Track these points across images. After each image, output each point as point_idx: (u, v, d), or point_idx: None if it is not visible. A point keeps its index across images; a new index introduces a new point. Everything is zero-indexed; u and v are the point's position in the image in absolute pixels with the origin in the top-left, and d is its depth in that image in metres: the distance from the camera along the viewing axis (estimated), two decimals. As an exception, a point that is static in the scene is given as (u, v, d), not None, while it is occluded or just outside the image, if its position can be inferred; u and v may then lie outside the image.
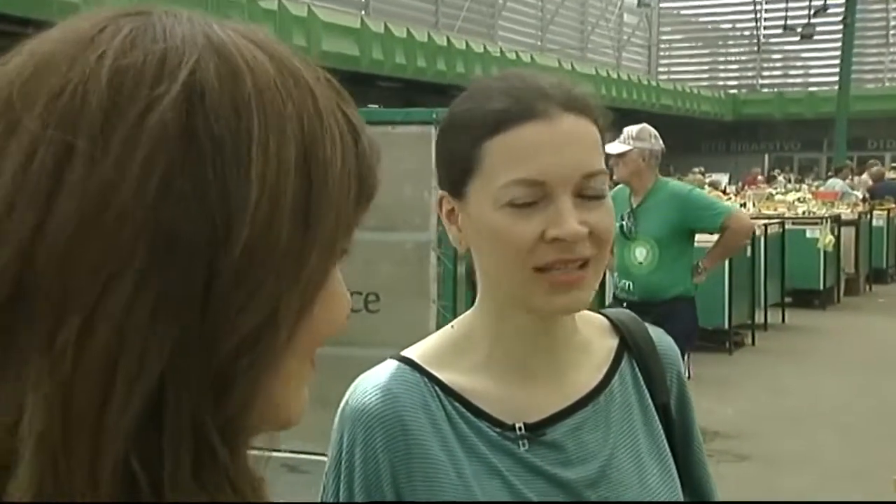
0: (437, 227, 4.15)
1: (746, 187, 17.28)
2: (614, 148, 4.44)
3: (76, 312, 0.44)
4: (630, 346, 1.09)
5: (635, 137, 4.57)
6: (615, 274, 4.66)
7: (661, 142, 4.66)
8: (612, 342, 1.10)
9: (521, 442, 1.01)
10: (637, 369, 1.09)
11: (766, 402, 7.01)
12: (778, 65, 32.87)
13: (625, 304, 4.30)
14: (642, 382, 1.08)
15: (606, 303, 5.23)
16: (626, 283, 4.58)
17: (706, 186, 15.72)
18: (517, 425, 1.01)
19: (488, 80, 1.04)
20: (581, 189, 0.98)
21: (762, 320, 9.87)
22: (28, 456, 0.44)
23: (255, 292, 0.47)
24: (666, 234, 4.58)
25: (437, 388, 1.03)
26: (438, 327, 1.11)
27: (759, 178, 19.58)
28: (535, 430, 1.01)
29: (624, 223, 4.59)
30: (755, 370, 8.14)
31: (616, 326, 1.11)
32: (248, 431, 0.48)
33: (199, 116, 0.46)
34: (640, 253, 4.60)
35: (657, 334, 1.13)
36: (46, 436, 0.44)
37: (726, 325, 8.81)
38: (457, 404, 1.02)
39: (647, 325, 1.13)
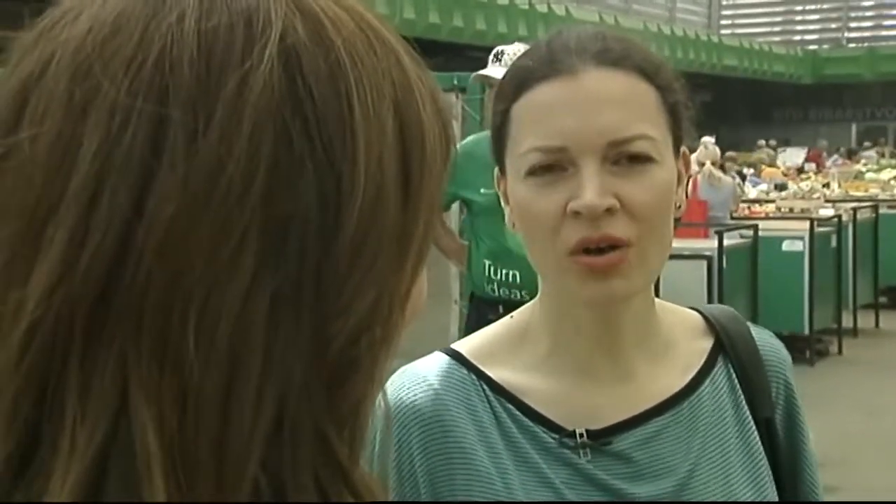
0: (460, 215, 4.16)
1: (815, 166, 17.12)
2: (495, 71, 3.90)
3: (193, 306, 0.46)
4: (727, 349, 1.10)
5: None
6: (486, 264, 3.91)
7: None
8: (706, 343, 1.10)
9: (581, 451, 1.02)
10: (735, 376, 1.10)
11: (857, 423, 6.98)
12: (869, 14, 32.66)
13: (501, 307, 3.51)
14: (740, 392, 1.09)
15: (461, 310, 4.46)
16: (509, 274, 3.87)
17: (779, 164, 15.67)
18: (578, 432, 1.02)
19: (540, 39, 1.08)
20: (614, 156, 0.99)
21: (851, 324, 9.82)
22: (156, 462, 0.45)
23: (368, 272, 0.49)
24: None
25: (485, 386, 1.05)
26: (461, 330, 1.13)
27: (824, 157, 19.30)
28: (600, 439, 1.03)
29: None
30: (843, 385, 8.10)
31: (711, 325, 1.11)
32: (365, 422, 0.51)
33: (298, 83, 0.49)
34: None
35: (762, 336, 1.13)
36: (165, 443, 0.46)
37: (806, 331, 8.78)
38: (508, 405, 1.04)
39: (750, 325, 1.14)
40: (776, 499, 1.07)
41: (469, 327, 3.55)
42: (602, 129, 0.98)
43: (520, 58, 1.06)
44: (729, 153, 15.86)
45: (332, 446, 0.49)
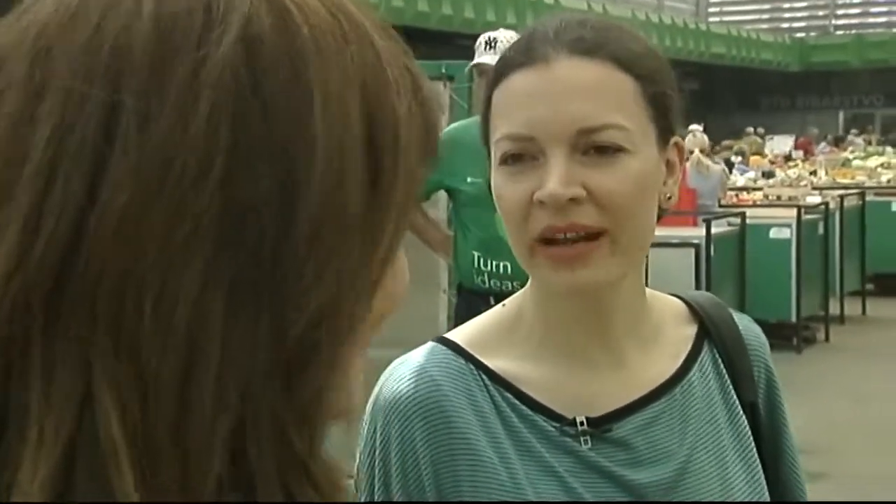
0: (448, 204, 4.14)
1: (803, 153, 17.16)
2: (489, 59, 3.78)
3: (147, 292, 0.46)
4: (712, 335, 1.11)
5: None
6: (475, 255, 3.82)
7: None
8: (691, 330, 1.11)
9: (582, 439, 1.03)
10: (721, 361, 1.11)
11: (844, 410, 7.01)
12: (856, 0, 32.73)
13: (492, 298, 3.42)
14: (727, 376, 1.10)
15: (449, 300, 4.34)
16: (499, 265, 3.75)
17: (766, 153, 15.70)
18: (578, 419, 1.03)
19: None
20: (583, 146, 0.99)
21: (838, 312, 9.85)
22: (121, 452, 0.45)
23: (329, 259, 0.49)
24: None
25: (483, 375, 1.05)
26: (450, 319, 1.14)
27: (813, 145, 19.33)
28: (600, 426, 1.03)
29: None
30: (830, 372, 8.14)
31: (695, 311, 1.12)
32: (327, 413, 0.50)
33: (257, 68, 0.48)
34: None
35: (743, 322, 1.14)
36: (129, 432, 0.45)
37: (794, 318, 8.81)
38: (507, 394, 1.04)
39: (732, 311, 1.15)
40: (764, 481, 1.08)
41: (459, 318, 3.49)
42: (571, 118, 0.99)
43: (510, 45, 1.08)
44: (725, 142, 15.86)
45: (289, 435, 0.48)
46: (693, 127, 9.44)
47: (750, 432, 1.09)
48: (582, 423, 1.02)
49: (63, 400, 0.46)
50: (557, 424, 1.03)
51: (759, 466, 1.08)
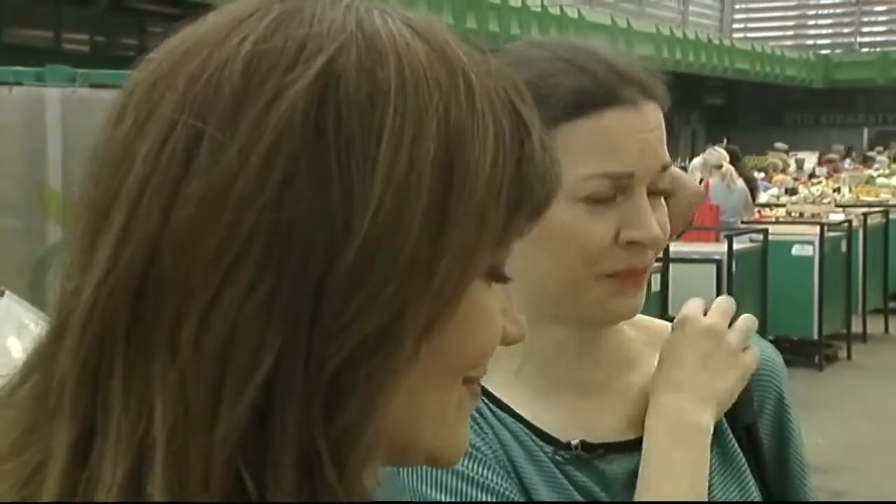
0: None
1: (827, 170, 17.07)
2: None
3: (195, 306, 0.50)
4: None
5: None
6: None
7: None
8: None
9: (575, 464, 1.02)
10: None
11: (864, 428, 6.96)
12: (881, 19, 32.60)
13: None
14: None
15: None
16: None
17: (790, 166, 15.63)
18: (573, 443, 1.03)
19: (543, 47, 1.06)
20: (654, 184, 1.02)
21: (860, 329, 9.80)
22: (159, 455, 0.49)
23: (375, 296, 0.51)
24: None
25: (486, 399, 1.03)
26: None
27: (840, 162, 19.22)
28: (593, 451, 1.03)
29: None
30: (852, 390, 8.08)
31: None
32: (364, 451, 0.51)
33: (329, 107, 0.51)
34: None
35: (759, 346, 1.12)
36: (171, 434, 0.49)
37: (816, 336, 8.77)
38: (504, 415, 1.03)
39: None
40: (759, 499, 1.07)
41: None
42: (657, 156, 1.02)
43: (547, 73, 1.01)
44: (772, 160, 15.72)
45: (319, 459, 0.50)
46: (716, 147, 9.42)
47: (740, 452, 1.08)
48: (577, 447, 1.02)
49: (137, 402, 0.50)
50: (551, 448, 1.02)
51: (754, 485, 1.07)
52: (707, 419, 1.03)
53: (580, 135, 1.00)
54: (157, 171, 0.51)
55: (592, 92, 1.00)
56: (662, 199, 1.03)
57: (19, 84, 4.50)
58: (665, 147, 1.04)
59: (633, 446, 1.05)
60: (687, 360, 1.04)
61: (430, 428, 0.56)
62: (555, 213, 0.99)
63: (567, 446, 1.02)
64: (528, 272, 1.02)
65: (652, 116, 1.02)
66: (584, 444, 1.03)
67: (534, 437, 1.02)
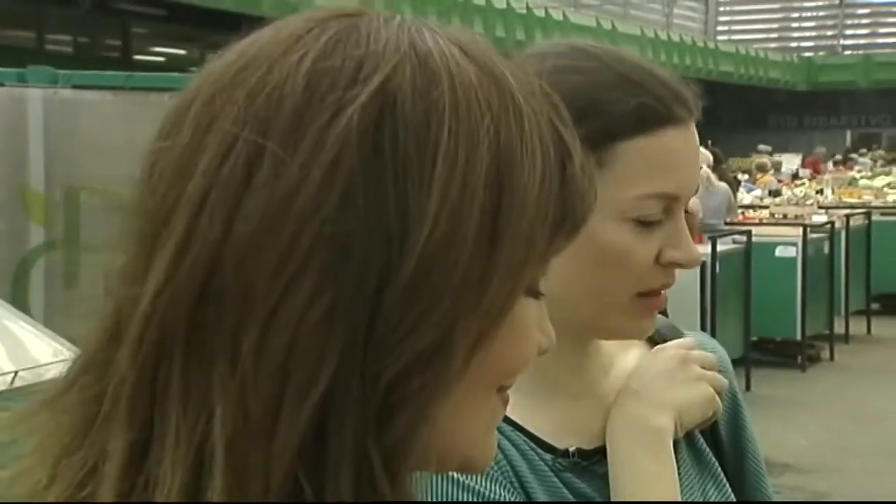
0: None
1: (811, 172, 17.13)
2: None
3: (255, 317, 0.51)
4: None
5: None
6: None
7: None
8: (639, 350, 1.11)
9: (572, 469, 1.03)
10: None
11: (848, 430, 6.98)
12: (864, 21, 32.75)
13: None
14: None
15: None
16: None
17: (771, 169, 15.68)
18: (571, 451, 1.03)
19: (590, 54, 1.02)
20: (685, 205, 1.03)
21: (843, 331, 9.84)
22: (218, 462, 0.50)
23: (429, 312, 0.52)
24: None
25: None
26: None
27: (822, 165, 19.29)
28: (591, 458, 1.03)
29: None
30: (835, 391, 8.11)
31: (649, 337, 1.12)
32: (413, 461, 0.53)
33: (386, 125, 0.53)
34: None
35: (701, 341, 1.14)
36: (231, 442, 0.51)
37: (799, 336, 8.79)
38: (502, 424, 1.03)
39: (688, 332, 1.15)
40: (734, 498, 1.08)
41: None
42: (696, 181, 1.03)
43: (605, 87, 0.99)
44: (760, 160, 15.73)
45: (372, 468, 0.51)
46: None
47: (708, 449, 1.10)
48: (573, 454, 1.02)
49: (195, 409, 0.51)
50: (550, 456, 1.02)
51: (725, 481, 1.09)
52: (664, 420, 1.03)
53: (640, 153, 0.98)
54: (218, 183, 0.52)
55: (655, 110, 0.98)
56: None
57: (1, 85, 4.48)
58: None
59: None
60: (647, 374, 1.06)
61: (467, 436, 0.57)
62: (601, 233, 0.97)
63: (565, 453, 1.02)
64: (559, 288, 1.01)
65: (694, 136, 1.02)
66: (580, 451, 1.02)
67: (532, 446, 1.02)
